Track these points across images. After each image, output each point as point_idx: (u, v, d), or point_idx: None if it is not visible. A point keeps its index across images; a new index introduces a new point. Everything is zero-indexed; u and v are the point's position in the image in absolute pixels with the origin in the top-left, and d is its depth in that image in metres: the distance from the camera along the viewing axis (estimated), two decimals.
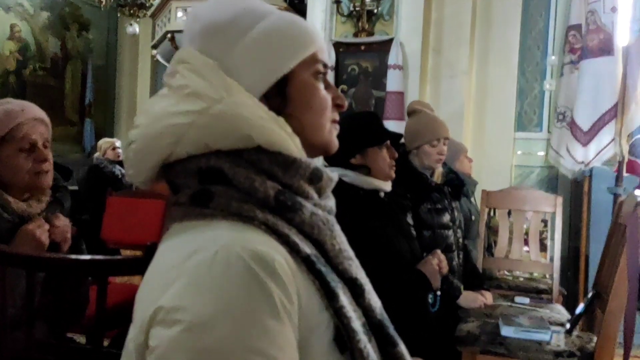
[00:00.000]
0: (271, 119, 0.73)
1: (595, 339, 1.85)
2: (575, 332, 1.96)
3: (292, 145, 0.74)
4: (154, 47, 5.96)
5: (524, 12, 4.43)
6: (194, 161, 0.72)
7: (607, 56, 3.69)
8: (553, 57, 4.35)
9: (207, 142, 0.71)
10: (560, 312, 2.38)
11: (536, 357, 1.84)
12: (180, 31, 4.96)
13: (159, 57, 6.01)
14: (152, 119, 0.72)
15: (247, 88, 0.73)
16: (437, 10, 4.23)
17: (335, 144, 0.83)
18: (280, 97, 0.76)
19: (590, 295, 2.05)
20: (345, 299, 0.70)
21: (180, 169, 0.73)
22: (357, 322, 0.70)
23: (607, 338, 1.77)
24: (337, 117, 0.84)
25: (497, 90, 4.44)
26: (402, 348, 0.76)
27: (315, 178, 0.75)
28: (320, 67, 0.80)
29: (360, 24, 4.22)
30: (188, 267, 0.63)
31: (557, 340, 1.86)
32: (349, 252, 0.77)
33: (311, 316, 0.66)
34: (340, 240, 0.76)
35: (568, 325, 2.00)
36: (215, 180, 0.71)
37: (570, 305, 2.96)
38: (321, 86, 0.80)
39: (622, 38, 3.69)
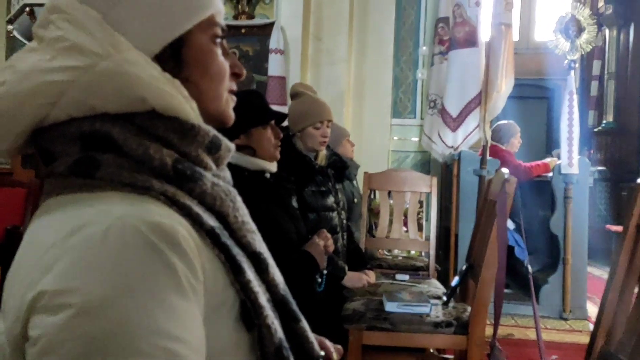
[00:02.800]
0: (166, 81, 0.65)
1: (469, 308, 1.97)
2: (451, 304, 2.08)
3: (190, 111, 0.67)
4: (10, 22, 5.36)
5: (398, 5, 4.62)
6: (75, 125, 0.62)
7: (472, 48, 3.96)
8: (424, 48, 4.59)
9: (92, 103, 0.62)
10: (437, 286, 2.52)
11: (418, 329, 1.92)
12: (41, 4, 4.51)
13: (15, 33, 5.41)
14: (21, 76, 0.62)
15: (136, 47, 0.65)
16: None
17: (231, 116, 0.77)
18: (175, 60, 0.69)
19: (464, 268, 2.18)
20: (250, 274, 0.66)
21: (57, 134, 0.63)
22: (263, 298, 0.66)
23: (480, 306, 1.90)
24: (235, 87, 0.78)
25: (374, 78, 4.60)
26: (305, 324, 0.74)
27: (214, 147, 0.69)
28: (219, 31, 0.73)
29: (240, 6, 4.14)
30: (74, 245, 0.55)
31: (435, 312, 1.96)
32: (252, 225, 0.72)
33: (216, 293, 0.61)
34: (243, 213, 0.71)
35: (445, 298, 2.12)
36: (101, 147, 0.62)
37: (443, 280, 3.16)
38: (219, 51, 0.74)
39: (485, 31, 3.98)
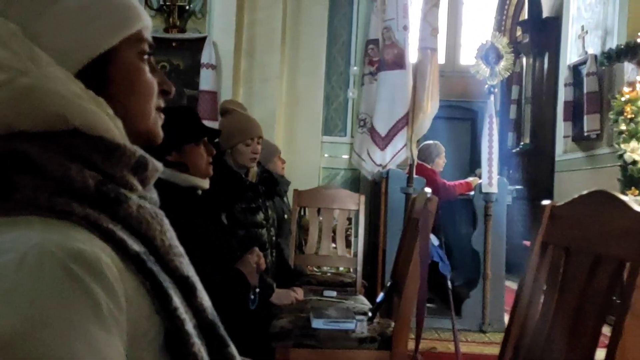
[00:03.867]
0: (90, 98, 0.63)
1: (393, 323, 2.03)
2: (376, 319, 2.13)
3: (115, 130, 0.64)
4: None
5: (330, 24, 4.72)
6: None
7: (400, 70, 4.11)
8: (355, 68, 4.71)
9: (9, 121, 0.59)
10: (363, 302, 2.57)
11: (343, 345, 1.96)
12: None
13: None
14: None
15: (58, 62, 0.62)
16: (250, 13, 4.29)
17: (160, 134, 0.75)
18: (99, 77, 0.66)
19: (389, 284, 2.24)
20: (177, 300, 0.63)
21: None
22: (189, 324, 0.64)
23: (402, 321, 1.96)
24: (163, 105, 0.76)
25: (306, 96, 4.66)
26: (233, 349, 0.72)
27: (140, 167, 0.67)
28: (146, 47, 0.72)
29: (171, 19, 4.09)
30: None
31: (361, 328, 2.00)
32: (179, 248, 0.70)
33: (140, 322, 0.59)
34: (170, 236, 0.68)
35: (370, 314, 2.16)
36: (19, 168, 0.59)
37: (371, 296, 3.22)
38: (146, 68, 0.72)
39: (412, 54, 4.14)
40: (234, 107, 2.44)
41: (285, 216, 3.09)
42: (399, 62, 4.12)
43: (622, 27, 4.87)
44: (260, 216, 2.41)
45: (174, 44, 4.09)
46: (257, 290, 1.87)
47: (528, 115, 7.10)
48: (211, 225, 1.86)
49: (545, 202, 1.32)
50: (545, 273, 1.29)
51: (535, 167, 6.87)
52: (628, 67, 4.60)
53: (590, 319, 1.06)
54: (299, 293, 2.44)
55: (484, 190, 3.94)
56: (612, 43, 4.88)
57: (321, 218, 3.13)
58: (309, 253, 3.08)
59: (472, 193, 4.16)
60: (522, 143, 7.19)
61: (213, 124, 3.68)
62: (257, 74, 4.27)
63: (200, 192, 1.86)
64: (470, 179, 4.38)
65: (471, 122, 8.76)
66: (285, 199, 3.27)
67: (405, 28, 4.11)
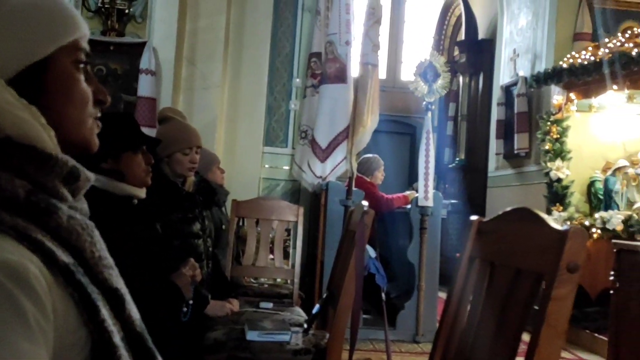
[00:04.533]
0: (23, 107, 0.62)
1: (327, 335, 2.05)
2: (311, 331, 2.14)
3: (48, 139, 0.64)
4: None
5: (273, 36, 4.74)
6: None
7: (342, 83, 4.17)
8: (297, 80, 4.74)
9: None
10: (299, 313, 2.58)
11: (278, 357, 1.95)
12: None
13: None
14: None
15: None
16: (192, 21, 4.24)
17: (95, 142, 0.75)
18: (34, 85, 0.65)
19: (324, 296, 2.26)
20: (105, 312, 0.63)
21: None
22: (117, 337, 0.64)
23: (337, 333, 1.97)
24: (99, 114, 0.76)
25: (248, 106, 4.64)
26: None
27: (72, 178, 0.66)
28: (83, 56, 0.71)
29: (109, 22, 3.98)
30: None
31: (296, 340, 2.01)
32: (109, 260, 0.70)
33: (67, 333, 0.58)
34: (100, 247, 0.68)
35: (306, 325, 2.17)
36: None
37: (308, 307, 3.23)
38: (82, 77, 0.72)
39: (354, 69, 4.22)
40: (173, 115, 2.40)
41: (223, 227, 3.06)
42: (340, 76, 4.18)
43: (550, 52, 5.16)
44: (197, 226, 2.37)
45: (111, 48, 3.98)
46: (191, 302, 1.84)
47: (464, 132, 7.37)
48: (146, 235, 1.82)
49: (473, 217, 1.37)
50: (472, 286, 1.34)
51: (469, 182, 7.13)
52: (554, 90, 4.87)
53: (511, 329, 1.11)
54: (234, 305, 2.42)
55: (420, 204, 4.05)
56: (541, 67, 5.15)
57: (259, 229, 3.12)
58: (246, 264, 3.05)
59: (409, 206, 4.26)
60: (457, 159, 7.44)
61: (151, 131, 3.60)
62: (198, 82, 4.22)
63: (136, 201, 1.81)
64: (407, 192, 4.49)
65: (411, 136, 8.99)
66: (223, 209, 3.23)
67: (348, 43, 4.18)
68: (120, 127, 1.76)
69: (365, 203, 2.17)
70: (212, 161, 3.18)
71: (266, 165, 4.76)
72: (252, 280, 3.39)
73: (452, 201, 6.98)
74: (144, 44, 3.95)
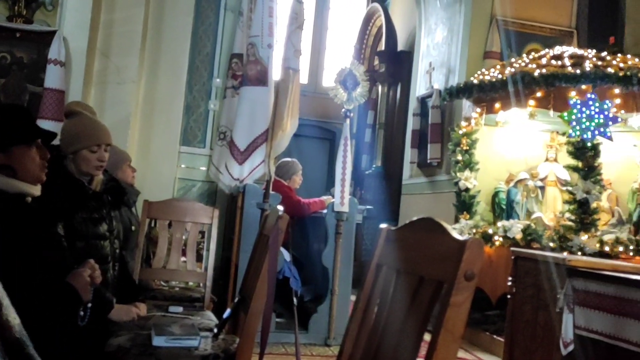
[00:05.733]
0: None
1: (238, 340, 2.02)
2: (221, 336, 2.10)
3: None
4: None
5: (194, 34, 4.64)
6: None
7: (262, 86, 4.15)
8: (218, 80, 4.67)
9: None
10: (210, 318, 2.53)
11: None
12: None
13: None
14: None
15: None
16: (108, 12, 4.06)
17: None
18: None
19: (236, 300, 2.23)
20: None
21: None
22: None
23: (247, 338, 1.96)
24: None
25: (165, 103, 4.51)
26: None
27: None
28: None
29: (16, 8, 3.73)
30: None
31: (204, 345, 1.97)
32: None
33: None
34: None
35: (216, 330, 2.14)
36: None
37: (222, 311, 3.18)
38: None
39: (275, 72, 4.21)
40: (81, 110, 2.29)
41: (133, 228, 2.95)
42: (261, 79, 4.16)
43: (463, 67, 5.43)
44: (104, 227, 2.27)
45: (18, 35, 3.73)
46: (89, 305, 1.76)
47: (381, 139, 7.57)
48: (41, 236, 1.71)
49: (382, 225, 1.41)
50: (379, 291, 1.38)
51: (385, 188, 7.33)
52: (465, 104, 5.12)
53: (413, 333, 1.15)
54: (141, 309, 2.33)
55: (335, 209, 4.11)
56: (454, 81, 5.41)
57: (172, 231, 3.03)
58: (156, 267, 2.96)
59: (325, 211, 4.32)
60: (374, 165, 7.64)
61: (58, 125, 3.41)
62: (112, 76, 4.04)
63: (30, 199, 1.70)
64: (324, 197, 4.54)
65: (330, 142, 9.13)
66: (133, 209, 3.12)
67: (270, 46, 4.17)
68: (12, 119, 1.65)
69: (280, 207, 2.16)
70: (123, 159, 3.06)
71: (182, 165, 4.64)
72: (162, 283, 3.29)
73: (368, 207, 7.14)
74: (53, 32, 3.73)
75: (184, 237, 3.04)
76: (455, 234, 1.09)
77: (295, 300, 2.97)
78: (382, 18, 7.47)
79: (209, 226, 3.17)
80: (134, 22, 4.13)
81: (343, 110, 4.21)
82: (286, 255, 4.14)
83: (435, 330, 1.02)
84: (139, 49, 4.17)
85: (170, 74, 4.48)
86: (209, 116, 4.74)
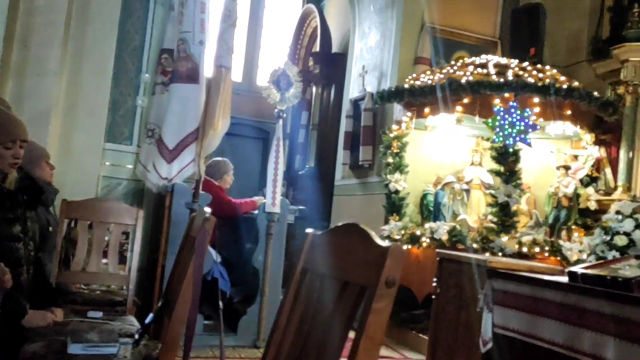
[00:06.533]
0: None
1: (160, 346, 1.96)
2: (143, 342, 2.03)
3: None
4: None
5: (122, 26, 4.45)
6: None
7: (193, 84, 4.05)
8: (147, 75, 4.51)
9: None
10: (132, 322, 2.44)
11: None
12: None
13: None
14: None
15: None
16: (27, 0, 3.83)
17: None
18: None
19: (160, 304, 2.17)
20: None
21: None
22: None
23: (170, 343, 1.90)
24: None
25: (89, 97, 4.30)
26: None
27: None
28: None
29: None
30: None
31: (124, 352, 1.89)
32: None
33: None
34: None
35: (137, 336, 2.06)
36: None
37: (145, 314, 3.08)
38: None
39: (207, 70, 4.12)
40: None
41: (50, 228, 2.79)
42: (192, 76, 4.06)
43: (395, 72, 5.54)
44: (17, 228, 2.15)
45: None
46: None
47: (315, 140, 7.60)
48: None
49: (309, 230, 1.41)
50: (304, 296, 1.38)
51: (318, 189, 7.36)
52: (397, 108, 5.24)
53: (336, 338, 1.15)
54: (57, 314, 2.22)
55: (267, 210, 4.08)
56: (386, 85, 5.52)
57: (93, 232, 2.90)
58: (75, 269, 2.82)
59: (256, 212, 4.28)
60: (307, 166, 7.66)
61: None
62: (31, 67, 3.81)
63: None
64: (256, 198, 4.51)
65: (264, 141, 9.08)
66: (51, 209, 2.95)
67: (202, 43, 4.07)
68: None
69: (208, 209, 2.12)
70: (41, 156, 2.89)
71: (107, 163, 4.44)
72: (82, 286, 3.14)
73: (301, 207, 7.16)
74: None
75: (106, 239, 2.92)
76: (379, 240, 1.10)
77: (221, 303, 2.92)
78: (318, 19, 7.51)
79: (133, 227, 3.05)
80: (56, 10, 3.91)
81: (276, 110, 4.19)
82: (216, 256, 4.07)
83: (357, 336, 1.02)
84: (61, 40, 3.96)
85: (95, 67, 4.28)
86: (136, 112, 4.57)
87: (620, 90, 4.81)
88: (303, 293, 1.39)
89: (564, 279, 2.33)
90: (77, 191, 3.68)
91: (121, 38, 4.44)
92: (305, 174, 7.67)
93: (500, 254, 4.17)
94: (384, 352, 4.25)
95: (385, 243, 1.08)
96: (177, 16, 4.18)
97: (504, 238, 4.28)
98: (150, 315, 2.10)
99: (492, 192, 4.46)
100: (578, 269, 2.33)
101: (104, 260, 2.92)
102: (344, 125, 6.30)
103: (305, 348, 1.29)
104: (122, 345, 1.90)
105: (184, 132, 4.02)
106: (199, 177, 3.96)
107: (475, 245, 4.29)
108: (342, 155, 6.31)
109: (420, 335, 4.35)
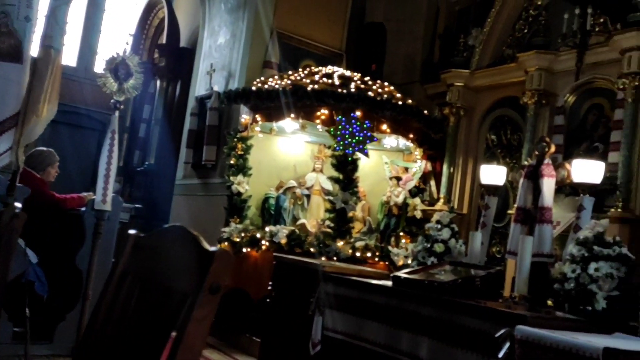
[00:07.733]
0: None
1: None
2: None
3: None
4: None
5: None
6: None
7: (15, 63, 3.60)
8: None
9: None
10: None
11: None
12: None
13: None
14: None
15: None
16: None
17: None
18: None
19: None
20: None
21: None
22: None
23: None
24: None
25: None
26: None
27: None
28: None
29: None
30: None
31: None
32: None
33: None
34: None
35: None
36: None
37: None
38: None
39: (32, 49, 3.69)
40: None
41: None
42: (15, 55, 3.59)
43: (243, 73, 5.51)
44: None
45: None
46: None
47: (156, 136, 7.26)
48: None
49: (131, 232, 1.31)
50: (122, 301, 1.27)
51: (157, 187, 7.04)
52: (243, 109, 5.20)
53: (153, 347, 1.08)
54: None
55: (96, 207, 3.77)
56: (234, 85, 5.46)
57: None
58: None
59: (83, 208, 3.95)
60: (147, 162, 7.29)
61: None
62: None
63: None
64: (84, 194, 4.16)
65: (101, 133, 8.42)
66: None
67: (27, 19, 3.63)
68: None
69: (18, 205, 1.88)
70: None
71: None
72: None
73: (137, 206, 6.78)
74: None
75: None
76: (206, 245, 1.05)
77: (27, 310, 2.62)
78: (165, 10, 7.20)
79: None
80: None
81: (112, 101, 3.90)
82: (32, 256, 3.66)
83: (174, 345, 0.96)
84: None
85: None
86: None
87: (446, 110, 5.30)
88: (122, 297, 1.28)
89: (389, 283, 2.48)
90: None
91: None
92: (144, 171, 7.28)
93: (335, 258, 4.34)
94: (215, 356, 4.16)
95: (212, 247, 1.03)
96: None
97: (340, 243, 4.46)
98: None
99: (331, 198, 4.63)
100: (401, 273, 2.50)
101: None
102: (189, 122, 6.10)
103: (119, 356, 1.20)
104: None
105: (2, 116, 3.55)
106: (16, 168, 3.53)
107: (312, 250, 4.41)
108: (184, 154, 6.11)
109: (254, 338, 4.35)
